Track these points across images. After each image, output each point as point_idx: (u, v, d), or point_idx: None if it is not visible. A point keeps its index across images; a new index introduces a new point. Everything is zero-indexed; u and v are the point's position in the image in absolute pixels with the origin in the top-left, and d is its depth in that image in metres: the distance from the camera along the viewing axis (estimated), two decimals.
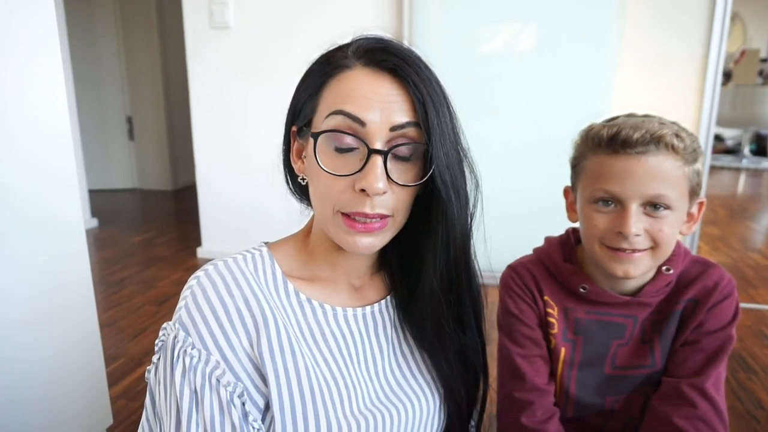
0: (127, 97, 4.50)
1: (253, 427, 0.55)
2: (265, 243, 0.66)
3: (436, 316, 0.64)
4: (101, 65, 4.38)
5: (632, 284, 0.75)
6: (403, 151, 0.55)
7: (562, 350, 0.78)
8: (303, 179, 0.63)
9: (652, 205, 0.67)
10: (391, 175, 0.54)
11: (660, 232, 0.67)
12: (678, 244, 0.74)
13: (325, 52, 0.61)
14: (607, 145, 0.68)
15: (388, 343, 0.67)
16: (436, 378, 0.69)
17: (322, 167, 0.55)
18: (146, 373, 0.61)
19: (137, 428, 1.37)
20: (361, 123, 0.54)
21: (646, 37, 2.16)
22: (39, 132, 1.10)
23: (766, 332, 1.92)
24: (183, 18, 2.57)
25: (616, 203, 0.68)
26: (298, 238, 0.68)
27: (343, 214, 0.56)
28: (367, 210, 0.55)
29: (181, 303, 0.58)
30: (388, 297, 0.70)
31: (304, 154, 0.62)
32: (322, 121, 0.56)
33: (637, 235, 0.67)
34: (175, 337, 0.56)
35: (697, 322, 0.73)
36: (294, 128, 0.62)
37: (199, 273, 0.59)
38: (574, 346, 0.78)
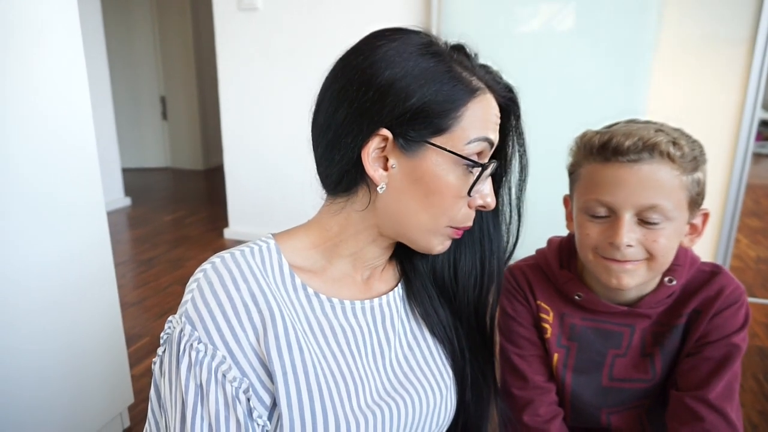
0: (161, 78, 4.58)
1: (258, 424, 0.55)
2: (272, 234, 0.66)
3: (477, 291, 0.70)
4: (136, 47, 4.45)
5: (632, 294, 0.72)
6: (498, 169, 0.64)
7: (555, 355, 0.77)
8: (381, 188, 0.59)
9: (647, 215, 0.64)
10: None
11: (655, 243, 0.64)
12: (685, 253, 0.71)
13: (422, 52, 0.57)
14: (598, 152, 0.66)
15: (395, 335, 0.67)
16: (447, 365, 0.69)
17: (471, 195, 0.59)
18: (152, 365, 0.62)
19: None
20: (492, 147, 0.59)
21: (689, 17, 2.04)
22: (63, 116, 1.12)
23: None
24: (212, 0, 2.57)
25: (609, 213, 0.66)
26: (312, 230, 0.66)
27: (451, 226, 0.61)
28: (471, 223, 0.62)
29: (187, 296, 0.58)
30: (397, 288, 0.69)
31: (393, 163, 0.58)
32: (464, 144, 0.57)
33: (630, 246, 0.64)
34: (181, 330, 0.56)
35: (700, 332, 0.70)
36: (386, 133, 0.57)
37: (206, 266, 0.59)
38: (567, 351, 0.77)
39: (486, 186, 0.60)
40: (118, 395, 1.33)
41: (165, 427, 0.59)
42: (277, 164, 2.67)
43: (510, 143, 0.64)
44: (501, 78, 0.62)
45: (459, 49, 0.61)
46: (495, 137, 0.59)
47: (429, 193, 0.58)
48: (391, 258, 0.70)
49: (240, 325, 0.55)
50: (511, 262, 0.74)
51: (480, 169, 0.58)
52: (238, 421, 0.54)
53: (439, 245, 0.62)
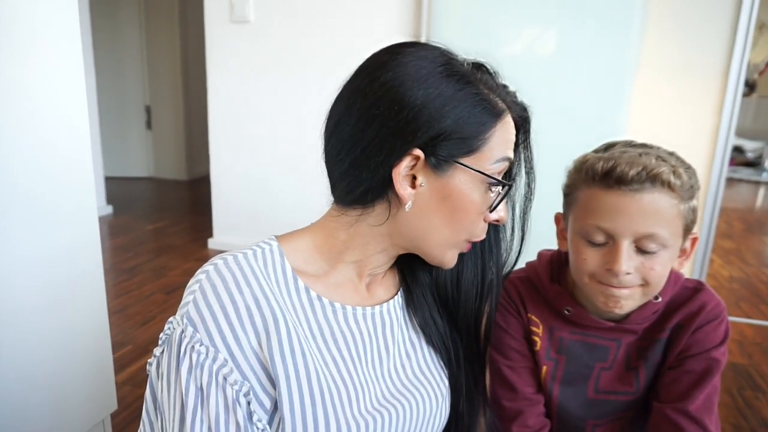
0: (146, 87, 4.56)
1: (258, 427, 0.55)
2: (276, 236, 0.65)
3: (478, 302, 0.72)
4: (123, 55, 4.44)
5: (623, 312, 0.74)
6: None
7: (544, 368, 0.78)
8: (409, 206, 0.60)
9: (645, 243, 0.65)
10: None
11: (651, 270, 0.65)
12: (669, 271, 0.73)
13: (454, 75, 0.58)
14: (601, 179, 0.66)
15: (394, 343, 0.67)
16: (442, 373, 0.70)
17: (491, 211, 0.61)
18: (147, 366, 0.61)
19: (140, 415, 1.39)
20: (511, 165, 0.63)
21: (667, 46, 2.13)
22: (58, 121, 1.12)
23: None
24: (204, 11, 2.59)
25: (607, 239, 0.66)
26: (316, 234, 0.65)
27: (467, 240, 0.63)
28: (484, 236, 0.65)
29: (188, 297, 0.57)
30: (397, 296, 0.70)
31: (421, 181, 0.59)
32: (490, 164, 0.59)
33: (628, 274, 0.65)
34: (183, 332, 0.55)
35: (682, 346, 0.71)
36: (419, 153, 0.57)
37: (208, 267, 0.58)
38: (556, 364, 0.78)
39: (503, 202, 0.63)
40: (102, 402, 1.31)
41: (161, 428, 0.58)
42: (264, 175, 2.68)
43: (518, 159, 0.66)
44: (518, 98, 0.65)
45: (480, 67, 0.63)
46: (512, 155, 0.62)
47: (455, 210, 0.59)
48: (393, 265, 0.71)
49: (242, 327, 0.55)
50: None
51: (502, 187, 0.61)
52: (237, 424, 0.53)
53: (453, 259, 0.64)
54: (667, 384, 0.72)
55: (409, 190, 0.59)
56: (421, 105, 0.56)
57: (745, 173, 5.58)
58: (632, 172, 0.63)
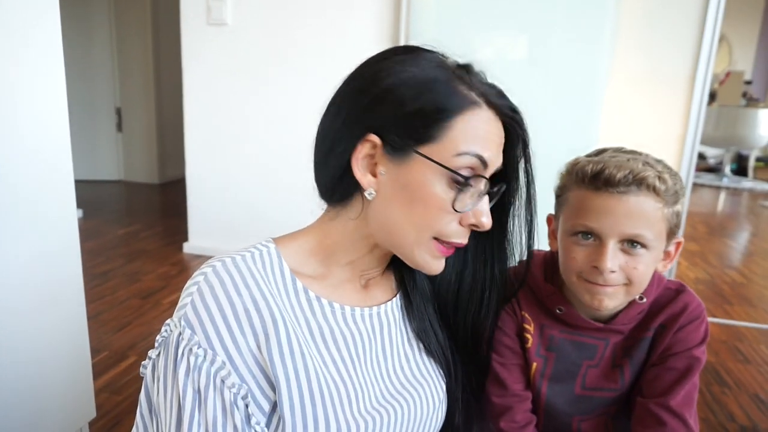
0: (117, 89, 4.46)
1: (255, 430, 0.55)
2: (273, 239, 0.65)
3: (479, 310, 0.72)
4: (93, 56, 4.34)
5: (607, 311, 0.77)
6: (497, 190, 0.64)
7: (534, 364, 0.80)
8: (370, 193, 0.60)
9: (630, 243, 0.68)
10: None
11: (634, 270, 0.69)
12: (653, 273, 0.76)
13: (421, 66, 0.58)
14: (590, 181, 0.69)
15: (393, 344, 0.68)
16: (439, 372, 0.71)
17: (456, 209, 0.58)
18: (141, 368, 0.60)
19: (119, 422, 1.37)
20: (486, 166, 0.59)
21: (637, 55, 2.21)
22: (38, 126, 1.10)
23: (740, 348, 1.97)
24: (180, 13, 2.56)
25: (594, 238, 0.70)
26: (311, 236, 0.66)
27: (437, 240, 0.60)
28: (464, 241, 0.61)
29: (186, 299, 0.57)
30: (395, 298, 0.70)
31: (382, 169, 0.59)
32: (452, 156, 0.57)
33: (613, 272, 0.68)
34: (180, 334, 0.55)
35: (665, 344, 0.75)
36: (374, 138, 0.58)
37: (206, 269, 0.58)
38: (546, 361, 0.80)
39: (482, 205, 0.59)
40: (80, 409, 1.28)
41: (156, 431, 0.58)
42: (241, 178, 2.66)
43: (517, 170, 0.65)
44: (505, 97, 0.62)
45: (465, 66, 0.61)
46: (491, 156, 0.58)
47: (414, 201, 0.58)
48: (389, 267, 0.71)
49: (240, 330, 0.55)
50: None
51: (465, 184, 0.57)
52: (235, 427, 0.53)
53: (431, 262, 0.61)
54: (650, 380, 0.75)
55: (370, 177, 0.59)
56: (384, 92, 0.57)
57: (707, 179, 5.79)
58: (619, 175, 0.66)
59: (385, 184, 0.59)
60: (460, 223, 0.59)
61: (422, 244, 0.60)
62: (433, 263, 0.61)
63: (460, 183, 0.57)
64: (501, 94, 0.62)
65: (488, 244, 0.70)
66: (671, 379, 0.73)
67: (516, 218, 0.68)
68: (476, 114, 0.58)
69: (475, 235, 0.66)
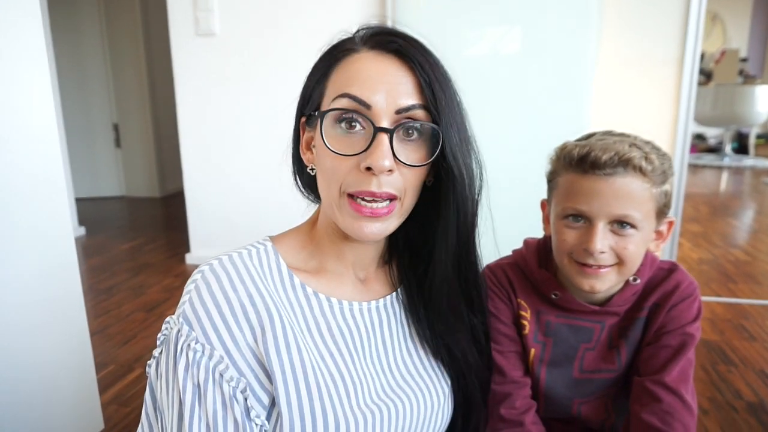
0: (113, 105, 4.49)
1: (256, 423, 0.55)
2: (269, 237, 0.66)
3: (450, 299, 0.67)
4: (87, 73, 4.37)
5: (601, 293, 0.78)
6: (409, 129, 0.56)
7: (532, 350, 0.81)
8: (312, 169, 0.63)
9: (619, 224, 0.69)
10: (398, 155, 0.55)
11: (625, 249, 0.70)
12: (645, 254, 0.77)
13: (335, 41, 0.62)
14: (577, 164, 0.70)
15: (392, 339, 0.68)
16: (443, 371, 0.70)
17: (329, 147, 0.55)
18: (146, 367, 0.61)
19: None
20: (367, 106, 0.55)
21: (623, 39, 2.21)
22: (27, 141, 1.11)
23: (746, 325, 1.96)
24: (168, 25, 2.58)
25: (584, 220, 0.70)
26: (302, 230, 0.68)
27: (349, 196, 0.57)
28: (374, 189, 0.55)
29: (184, 297, 0.58)
30: (395, 293, 0.70)
31: (313, 143, 0.62)
32: (328, 105, 0.57)
33: (603, 252, 0.69)
34: (179, 331, 0.56)
35: (659, 323, 0.76)
36: (303, 118, 0.63)
37: (204, 267, 0.59)
38: (544, 347, 0.81)
39: (375, 145, 0.54)
40: (88, 422, 1.30)
41: (161, 428, 0.59)
42: (238, 187, 2.67)
43: (439, 111, 0.57)
44: (394, 32, 0.59)
45: (372, 26, 0.61)
46: (369, 94, 0.54)
47: (320, 161, 0.59)
48: (390, 261, 0.72)
49: (237, 325, 0.56)
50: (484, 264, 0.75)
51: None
52: (236, 420, 0.54)
53: (354, 225, 0.57)
54: (646, 359, 0.76)
55: (309, 154, 0.63)
56: (304, 83, 0.63)
57: (708, 159, 5.77)
58: (605, 157, 0.67)
59: (315, 156, 0.62)
60: (360, 170, 0.56)
61: (337, 202, 0.58)
62: (356, 225, 0.57)
63: (342, 126, 0.56)
64: (389, 33, 0.58)
65: (445, 194, 0.62)
66: (666, 356, 0.74)
67: (461, 154, 0.60)
68: (351, 59, 0.58)
69: (434, 191, 0.62)
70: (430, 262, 0.66)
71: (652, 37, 2.16)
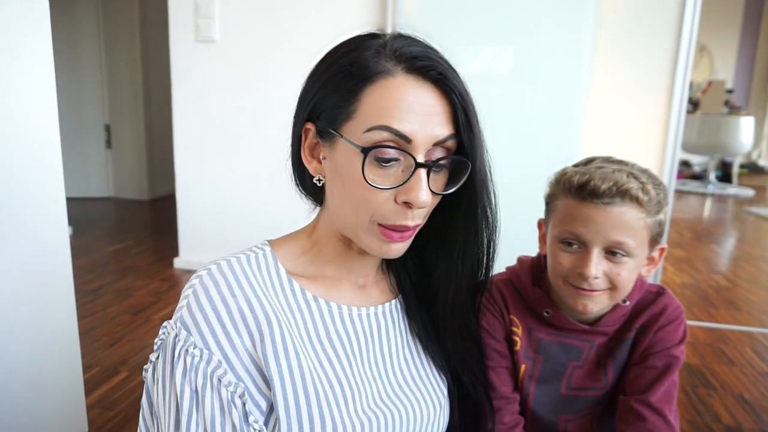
0: (106, 106, 4.47)
1: (254, 429, 0.55)
2: (268, 241, 0.66)
3: (462, 317, 0.69)
4: (82, 72, 4.35)
5: (592, 314, 0.80)
6: (443, 162, 0.58)
7: (523, 366, 0.82)
8: (319, 180, 0.62)
9: (613, 251, 0.71)
10: (430, 186, 0.56)
11: (618, 276, 0.72)
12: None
13: (350, 47, 0.58)
14: (576, 192, 0.72)
15: (390, 346, 0.68)
16: (441, 380, 0.71)
17: (369, 183, 0.54)
18: (143, 371, 0.61)
19: None
20: (407, 140, 0.54)
21: (616, 66, 2.26)
22: (30, 143, 1.12)
23: (725, 350, 2.00)
24: (168, 31, 2.59)
25: (580, 245, 0.73)
26: (302, 236, 0.67)
27: (380, 224, 0.57)
28: (409, 222, 0.57)
29: (182, 302, 0.58)
30: (395, 300, 0.71)
31: (323, 155, 0.60)
32: (362, 133, 0.54)
33: (597, 278, 0.71)
34: (176, 336, 0.56)
35: (646, 344, 0.78)
36: (310, 126, 0.60)
37: (202, 272, 0.59)
38: (534, 363, 0.82)
39: (413, 180, 0.55)
40: (72, 425, 1.29)
41: None
42: (231, 194, 2.68)
43: (468, 141, 0.58)
44: (433, 58, 0.56)
45: (395, 36, 0.58)
46: (411, 128, 0.53)
47: (344, 184, 0.57)
48: (389, 269, 0.72)
49: (235, 330, 0.56)
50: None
51: (385, 161, 0.54)
52: (233, 425, 0.53)
53: (381, 246, 0.58)
54: (632, 378, 0.78)
55: (316, 164, 0.61)
56: (311, 80, 0.60)
57: (692, 186, 5.87)
58: (604, 187, 0.69)
59: (327, 170, 0.60)
60: (396, 202, 0.56)
61: (365, 227, 0.58)
62: (384, 247, 0.58)
63: (380, 160, 0.55)
64: (426, 57, 0.55)
65: (469, 216, 0.64)
66: (651, 376, 0.76)
67: (487, 180, 0.62)
68: (387, 84, 0.54)
69: (444, 216, 0.64)
70: (437, 278, 0.68)
71: (643, 66, 2.22)
